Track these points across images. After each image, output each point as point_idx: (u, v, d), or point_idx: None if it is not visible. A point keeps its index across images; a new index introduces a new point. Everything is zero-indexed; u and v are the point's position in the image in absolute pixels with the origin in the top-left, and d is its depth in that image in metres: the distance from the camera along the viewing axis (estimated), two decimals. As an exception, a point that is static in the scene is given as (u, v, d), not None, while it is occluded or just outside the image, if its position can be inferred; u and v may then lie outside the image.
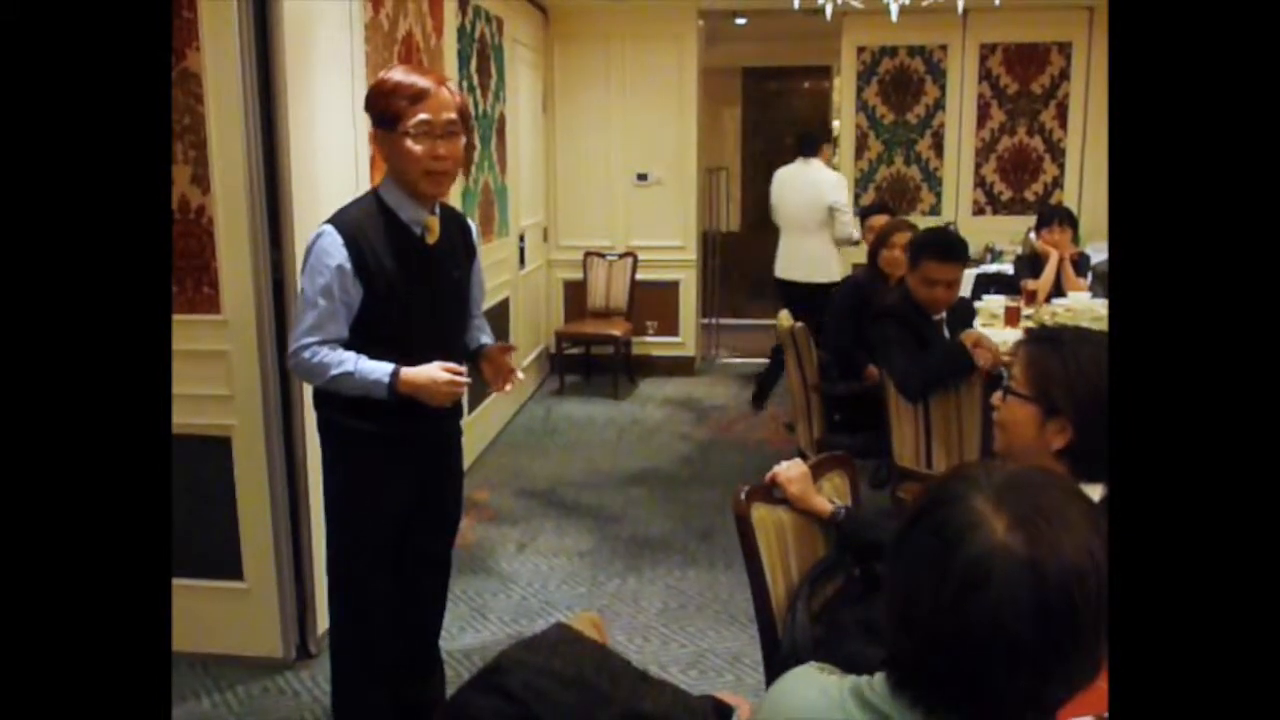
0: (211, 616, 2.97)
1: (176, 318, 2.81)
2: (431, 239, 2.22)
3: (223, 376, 2.84)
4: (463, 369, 2.18)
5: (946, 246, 3.29)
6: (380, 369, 2.10)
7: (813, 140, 5.77)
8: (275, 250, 2.85)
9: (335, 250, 2.10)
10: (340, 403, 2.20)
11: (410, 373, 2.10)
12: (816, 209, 5.58)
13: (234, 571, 2.95)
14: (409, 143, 2.09)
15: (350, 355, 2.12)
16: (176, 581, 2.91)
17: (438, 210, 2.25)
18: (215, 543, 2.92)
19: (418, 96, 2.08)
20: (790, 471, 1.89)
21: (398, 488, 2.26)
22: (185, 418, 2.83)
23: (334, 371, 2.11)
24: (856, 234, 5.47)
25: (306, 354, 2.12)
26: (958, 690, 0.91)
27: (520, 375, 2.36)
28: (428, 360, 2.15)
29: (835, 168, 5.92)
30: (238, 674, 2.93)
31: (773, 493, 1.88)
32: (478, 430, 4.92)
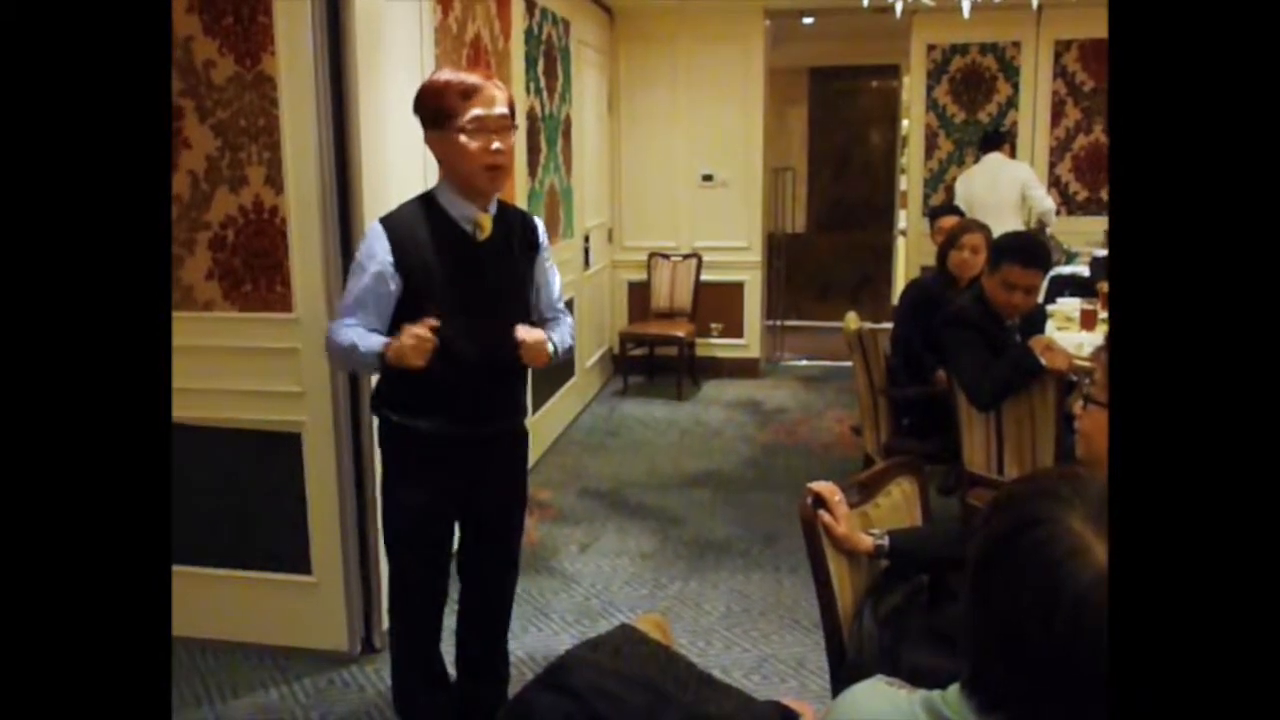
0: (280, 609, 3.03)
1: (250, 315, 2.89)
2: (483, 236, 2.20)
3: (294, 373, 2.90)
4: (424, 329, 2.05)
5: (1030, 252, 3.20)
6: (378, 344, 2.09)
7: (995, 138, 6.01)
8: (345, 251, 2.90)
9: (378, 248, 2.12)
10: (385, 399, 2.24)
11: (394, 344, 2.05)
12: (1013, 192, 5.75)
13: (303, 565, 3.01)
14: (464, 139, 2.08)
15: (360, 331, 2.12)
16: (248, 574, 3.01)
17: (493, 208, 2.22)
18: (285, 537, 2.99)
19: (469, 93, 2.07)
20: (837, 510, 1.88)
21: (434, 485, 2.24)
22: (257, 413, 2.91)
23: (341, 342, 2.12)
24: (1052, 204, 5.80)
25: (332, 333, 2.16)
26: (1055, 714, 0.89)
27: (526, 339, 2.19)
28: (471, 353, 2.15)
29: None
30: (304, 666, 2.98)
31: (808, 502, 1.87)
32: (541, 430, 4.95)
